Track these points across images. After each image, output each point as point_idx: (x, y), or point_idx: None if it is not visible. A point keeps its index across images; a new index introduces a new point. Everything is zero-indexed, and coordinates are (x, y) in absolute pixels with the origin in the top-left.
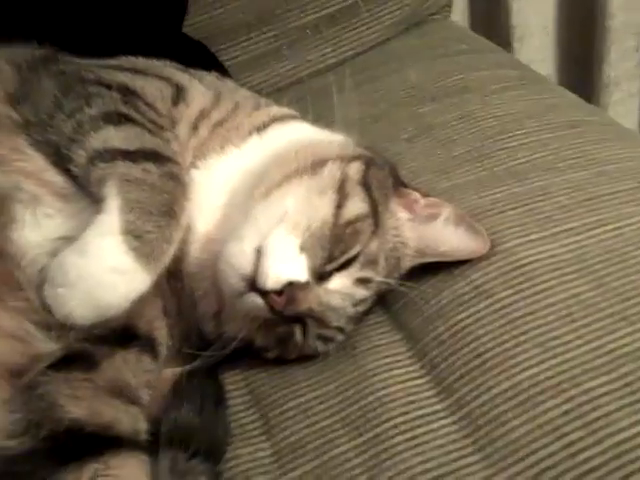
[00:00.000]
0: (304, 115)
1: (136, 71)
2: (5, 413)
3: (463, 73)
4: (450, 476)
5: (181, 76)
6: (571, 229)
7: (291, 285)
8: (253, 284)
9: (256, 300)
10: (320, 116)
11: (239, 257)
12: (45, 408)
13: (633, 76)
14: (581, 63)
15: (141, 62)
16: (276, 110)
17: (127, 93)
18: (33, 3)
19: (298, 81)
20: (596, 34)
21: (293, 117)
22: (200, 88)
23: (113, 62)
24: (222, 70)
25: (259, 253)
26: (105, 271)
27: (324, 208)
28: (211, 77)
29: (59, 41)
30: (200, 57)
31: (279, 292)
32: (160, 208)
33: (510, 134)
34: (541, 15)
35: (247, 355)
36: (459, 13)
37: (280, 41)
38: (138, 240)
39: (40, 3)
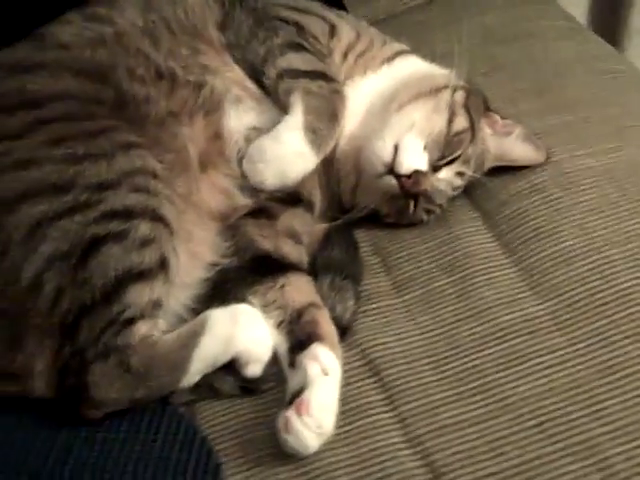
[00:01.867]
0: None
1: (299, 10)
2: (221, 241)
3: (529, 21)
4: (512, 303)
5: (330, 15)
6: (605, 149)
7: (416, 172)
8: (391, 169)
9: (391, 181)
10: (415, 48)
11: (382, 150)
12: (246, 241)
13: None
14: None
15: (300, 2)
16: (397, 46)
17: (298, 28)
18: None
19: (394, 15)
20: None
21: (409, 52)
22: (345, 26)
23: (281, 1)
24: (344, 8)
25: (396, 149)
26: (290, 153)
27: (440, 122)
28: (350, 17)
29: None
30: None
31: (408, 176)
32: (329, 113)
33: (562, 75)
34: None
35: (370, 220)
36: None
37: None
38: (313, 134)
39: None
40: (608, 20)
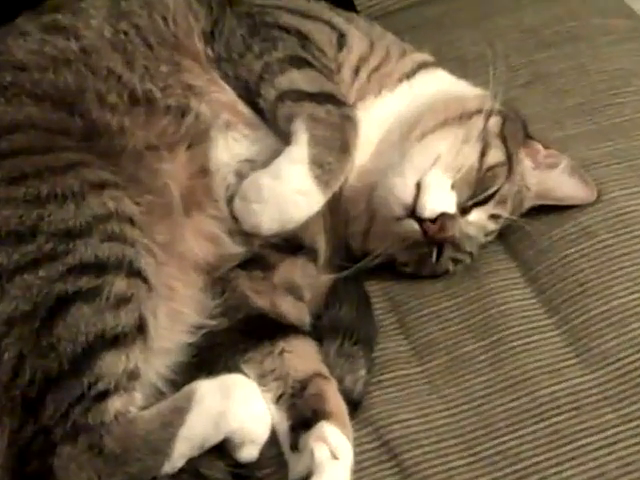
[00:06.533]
0: (421, 45)
1: (301, 14)
2: (207, 299)
3: (576, 20)
4: (555, 372)
5: (338, 20)
6: None
7: (442, 216)
8: (412, 212)
9: (412, 225)
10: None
11: (402, 189)
12: (237, 297)
13: None
14: None
15: (302, 4)
16: (418, 57)
17: (302, 38)
18: None
19: (407, 7)
20: None
21: (433, 64)
22: (357, 34)
23: (279, 3)
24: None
25: (419, 187)
26: (293, 192)
27: (471, 155)
28: (362, 21)
29: None
30: None
31: (432, 220)
32: (338, 144)
33: (617, 90)
34: None
35: (383, 268)
36: None
37: None
38: (320, 169)
39: None
40: None
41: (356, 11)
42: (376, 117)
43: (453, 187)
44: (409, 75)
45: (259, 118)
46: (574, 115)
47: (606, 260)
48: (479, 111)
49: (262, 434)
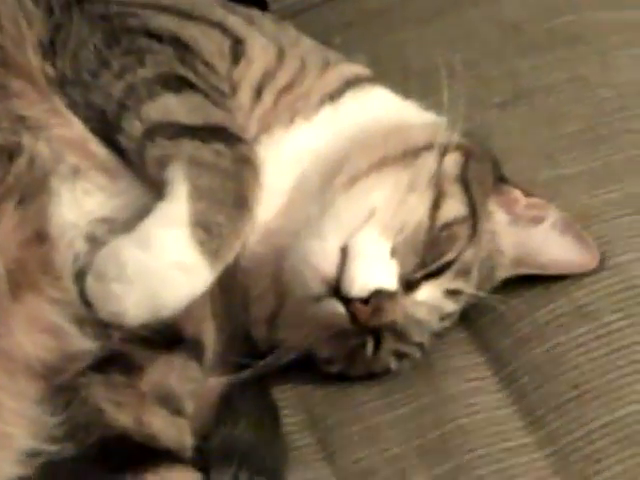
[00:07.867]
0: (354, 51)
1: (180, 14)
2: (43, 415)
3: (577, 12)
4: None
5: (234, 21)
6: None
7: (378, 294)
8: (336, 289)
9: (336, 307)
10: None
11: (321, 257)
12: (89, 412)
13: None
14: None
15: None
16: (348, 69)
17: (180, 48)
18: None
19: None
20: None
21: (369, 79)
22: (261, 40)
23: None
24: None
25: (344, 254)
26: (169, 267)
27: (419, 208)
28: (268, 22)
29: None
30: None
31: (364, 300)
32: (232, 197)
33: (631, 112)
34: None
35: (300, 367)
36: None
37: None
38: (207, 233)
39: None
40: None
41: (264, 7)
42: (287, 156)
43: (393, 253)
44: (333, 96)
45: (120, 162)
46: (571, 147)
47: (612, 351)
48: (429, 146)
49: None
